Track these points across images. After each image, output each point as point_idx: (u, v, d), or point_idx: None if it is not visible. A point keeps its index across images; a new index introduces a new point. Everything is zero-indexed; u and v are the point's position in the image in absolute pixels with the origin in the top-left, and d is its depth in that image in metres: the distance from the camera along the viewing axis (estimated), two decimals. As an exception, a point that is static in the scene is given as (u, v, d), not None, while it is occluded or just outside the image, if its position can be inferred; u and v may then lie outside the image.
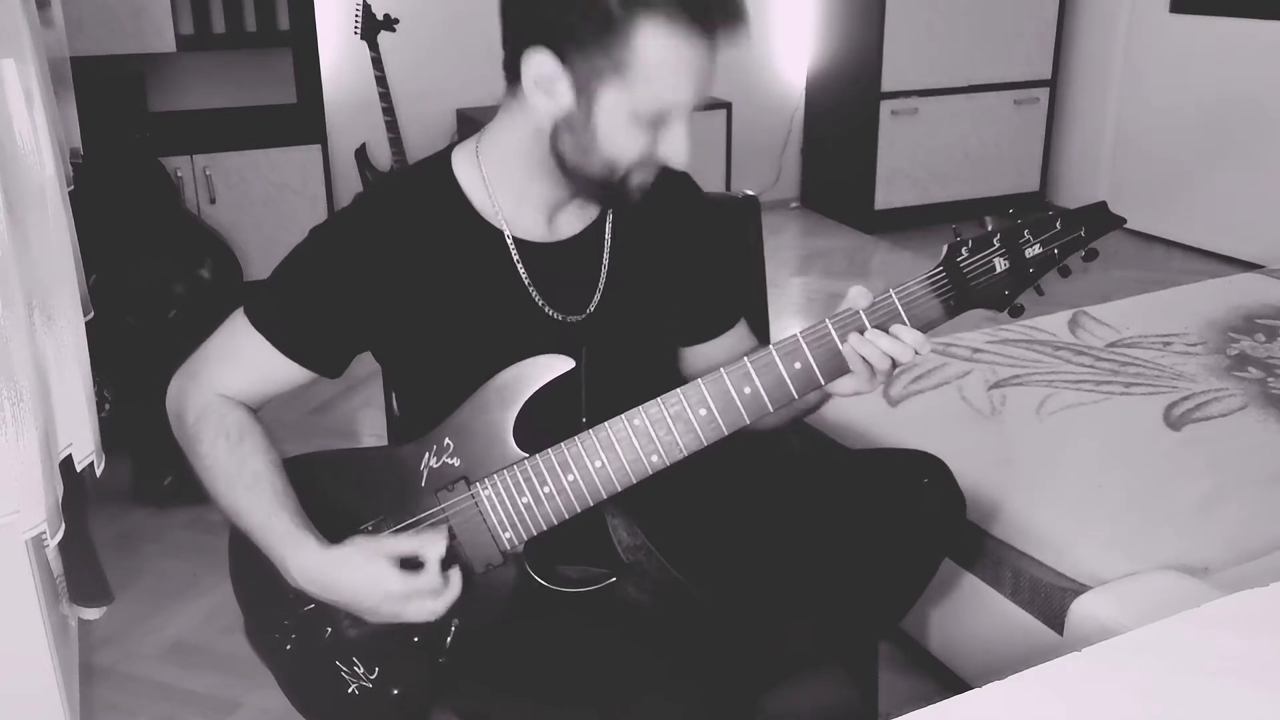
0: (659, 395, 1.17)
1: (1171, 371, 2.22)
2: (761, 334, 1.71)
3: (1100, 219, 1.17)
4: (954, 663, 1.88)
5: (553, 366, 1.18)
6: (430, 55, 4.22)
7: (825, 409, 1.40)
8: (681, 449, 1.17)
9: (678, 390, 1.16)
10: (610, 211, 1.31)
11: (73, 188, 2.22)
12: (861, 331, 1.15)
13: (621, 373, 1.29)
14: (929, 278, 1.15)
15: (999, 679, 0.93)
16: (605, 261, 1.30)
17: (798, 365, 1.15)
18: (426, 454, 1.21)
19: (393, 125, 3.77)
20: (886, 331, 1.15)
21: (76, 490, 1.84)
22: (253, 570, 1.24)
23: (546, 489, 1.18)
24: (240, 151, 3.80)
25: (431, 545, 1.16)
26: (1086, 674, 0.95)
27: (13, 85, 1.57)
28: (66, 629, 1.96)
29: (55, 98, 2.19)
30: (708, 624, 1.29)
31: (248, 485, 1.20)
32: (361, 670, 1.23)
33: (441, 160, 1.28)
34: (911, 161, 4.76)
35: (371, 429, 3.10)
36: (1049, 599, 1.65)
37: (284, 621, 1.25)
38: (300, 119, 3.94)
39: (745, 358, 1.16)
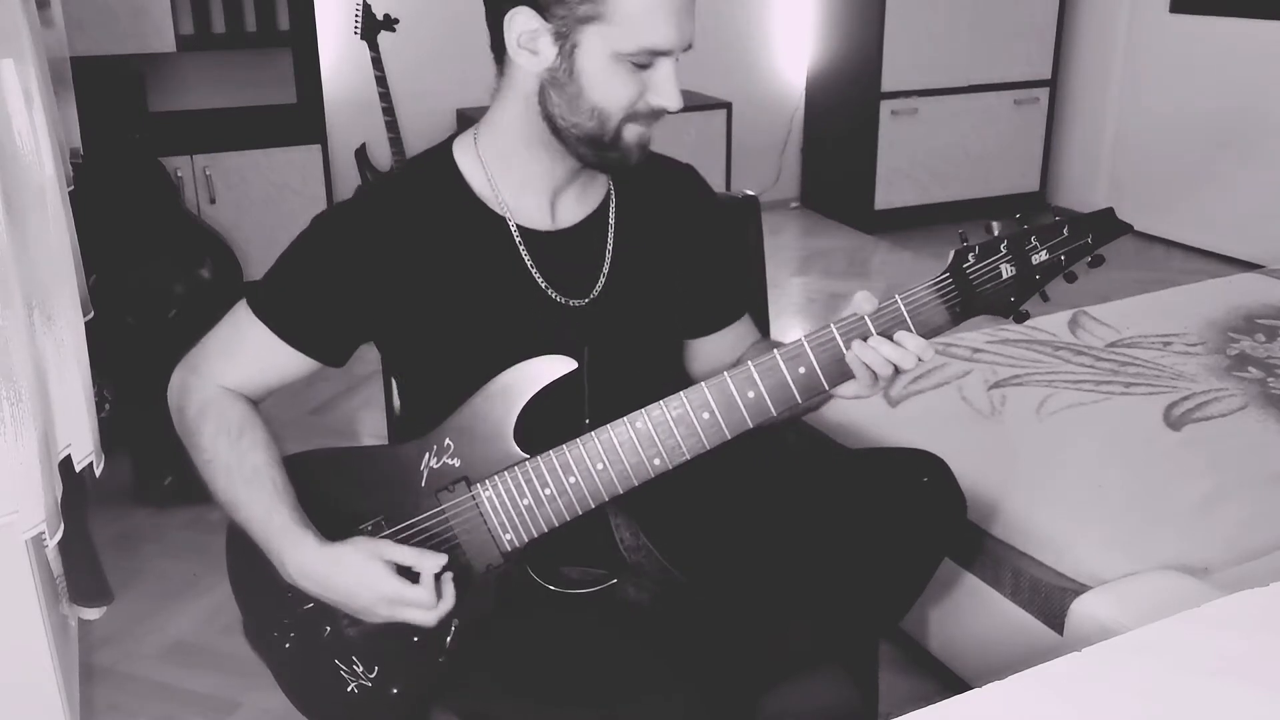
0: (662, 396, 1.16)
1: (1171, 371, 2.22)
2: (762, 334, 1.70)
3: (1107, 226, 1.16)
4: (954, 663, 1.88)
5: (554, 367, 1.18)
6: (430, 55, 4.22)
7: (825, 408, 1.40)
8: (684, 452, 1.17)
9: (680, 393, 1.16)
10: (614, 199, 1.31)
11: (73, 188, 2.22)
12: (865, 338, 1.14)
13: (624, 371, 1.29)
14: (935, 284, 1.14)
15: (999, 679, 0.93)
16: (610, 248, 1.30)
17: (802, 370, 1.15)
18: (427, 454, 1.20)
19: (393, 125, 3.77)
20: (891, 338, 1.14)
21: (76, 490, 1.84)
22: (251, 569, 1.24)
23: (548, 491, 1.18)
24: (240, 151, 3.80)
25: (428, 561, 1.16)
26: (1086, 674, 0.95)
27: (12, 85, 1.57)
28: (66, 629, 1.96)
29: (55, 98, 2.19)
30: (708, 624, 1.29)
31: (247, 480, 1.20)
32: (361, 669, 1.23)
33: (442, 151, 1.29)
34: (911, 161, 4.77)
35: (371, 429, 3.10)
36: (1049, 599, 1.65)
37: (283, 620, 1.25)
38: (300, 119, 3.94)
39: (749, 361, 1.16)
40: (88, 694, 2.04)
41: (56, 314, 1.63)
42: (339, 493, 1.24)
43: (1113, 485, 1.81)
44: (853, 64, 4.72)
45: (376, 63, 3.72)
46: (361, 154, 3.99)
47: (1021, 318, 1.17)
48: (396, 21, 3.76)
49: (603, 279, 1.29)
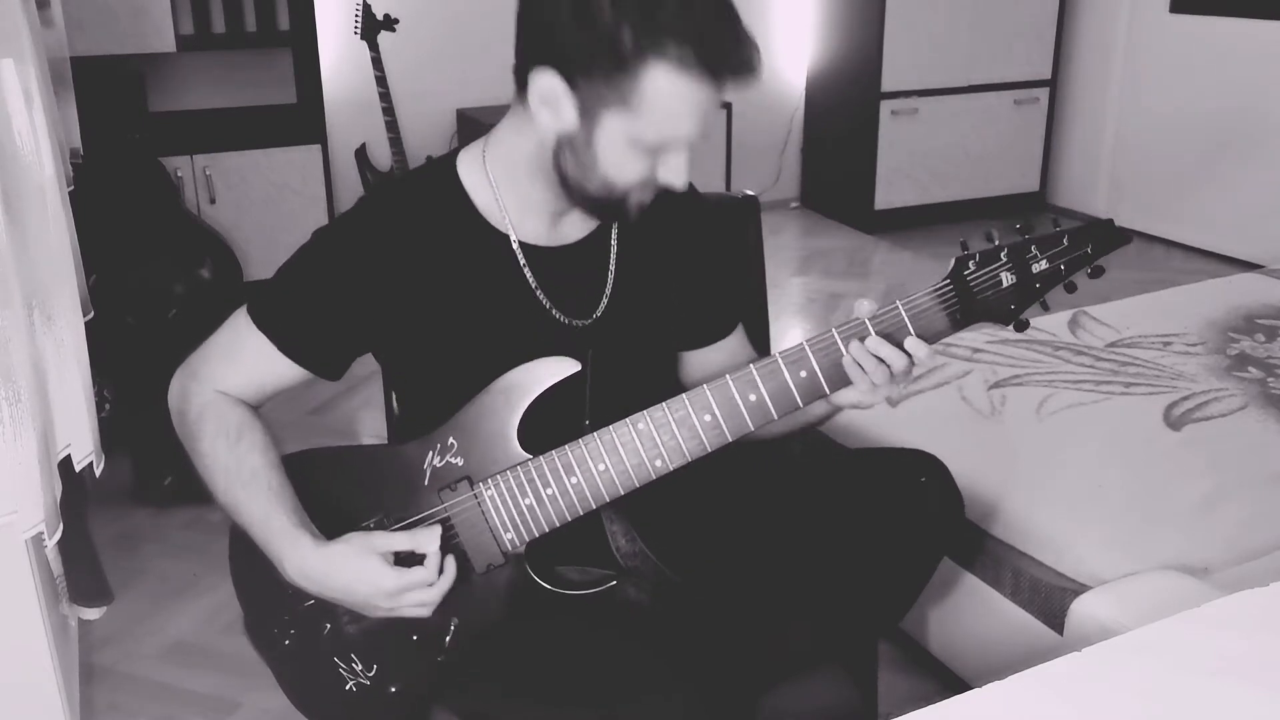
0: (663, 399, 1.17)
1: (1171, 371, 2.22)
2: (762, 334, 1.71)
3: (1107, 236, 1.17)
4: (954, 663, 1.88)
5: (559, 368, 1.19)
6: (430, 55, 4.22)
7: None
8: (685, 454, 1.17)
9: (683, 395, 1.16)
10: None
11: (73, 188, 2.22)
12: (864, 340, 1.15)
13: (627, 376, 1.29)
14: (935, 290, 1.15)
15: (999, 679, 0.93)
16: (612, 266, 1.30)
17: (803, 373, 1.15)
18: (430, 453, 1.21)
19: (393, 125, 3.77)
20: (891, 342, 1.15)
21: (76, 490, 1.84)
22: (253, 567, 1.24)
23: (549, 491, 1.18)
24: (240, 151, 3.80)
25: (427, 539, 1.16)
26: (1086, 674, 0.95)
27: (12, 85, 1.57)
28: (66, 629, 1.96)
29: (55, 98, 2.19)
30: (707, 624, 1.29)
31: (245, 482, 1.20)
32: (360, 668, 1.23)
33: (446, 164, 1.28)
34: (911, 161, 4.76)
35: (371, 429, 3.10)
36: (1049, 599, 1.65)
37: (283, 618, 1.25)
38: (300, 119, 3.94)
39: (751, 364, 1.16)
40: (88, 694, 2.04)
41: (56, 314, 1.63)
42: (341, 491, 1.24)
43: (1113, 485, 1.81)
44: (853, 64, 4.72)
45: (376, 63, 3.72)
46: (361, 154, 3.99)
47: (1021, 326, 1.18)
48: (396, 21, 3.76)
49: (606, 298, 1.29)
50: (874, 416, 2.06)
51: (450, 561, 1.18)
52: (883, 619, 1.40)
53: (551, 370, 1.19)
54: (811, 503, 1.31)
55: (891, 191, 4.78)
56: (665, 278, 1.34)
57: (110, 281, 2.80)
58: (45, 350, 1.58)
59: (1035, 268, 1.15)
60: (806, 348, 1.15)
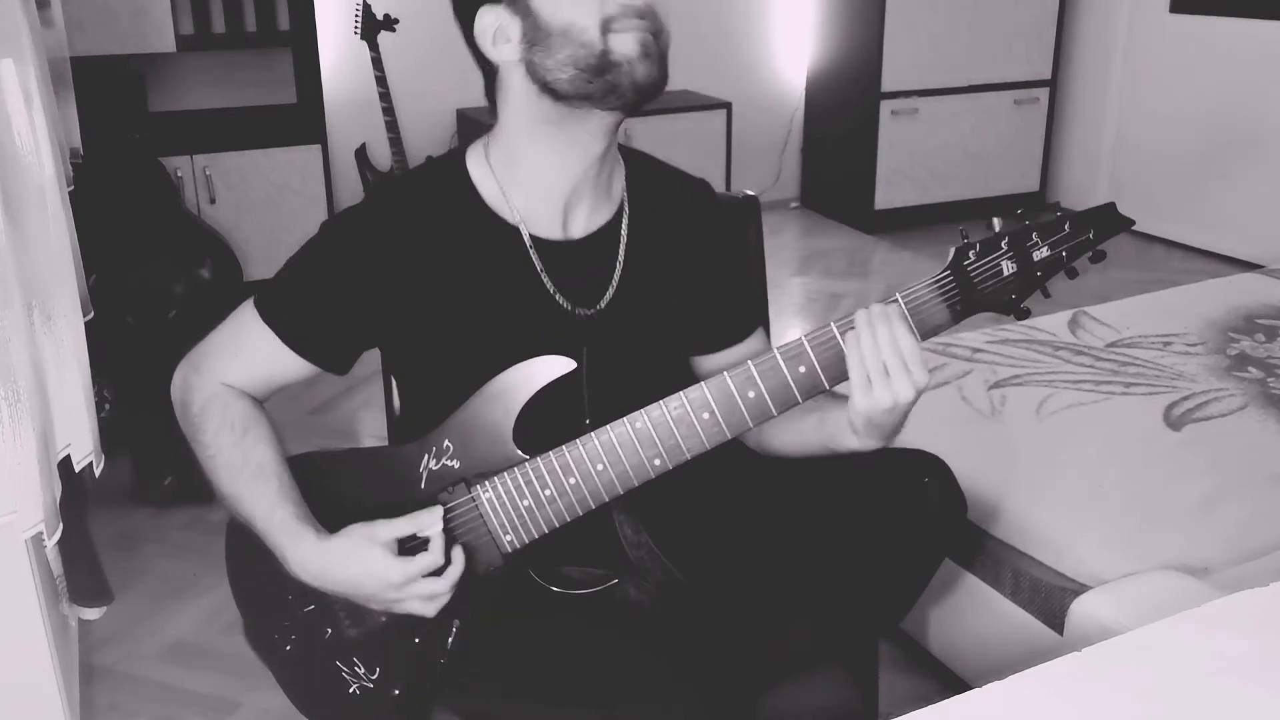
0: (662, 398, 1.16)
1: (1171, 371, 2.22)
2: (765, 330, 1.70)
3: (1109, 221, 1.15)
4: (954, 663, 1.88)
5: (553, 368, 1.18)
6: (430, 55, 4.22)
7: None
8: (684, 452, 1.16)
9: (680, 393, 1.15)
10: (627, 211, 1.31)
11: (73, 188, 2.22)
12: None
13: (625, 374, 1.28)
14: (935, 281, 1.14)
15: (999, 679, 0.93)
16: (621, 258, 1.29)
17: (802, 369, 1.14)
18: (426, 455, 1.20)
19: (393, 125, 3.77)
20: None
21: (77, 490, 1.84)
22: (251, 572, 1.24)
23: (548, 492, 1.18)
24: (240, 151, 3.80)
25: (429, 520, 1.16)
26: (1086, 674, 0.95)
27: (12, 85, 1.57)
28: (66, 629, 1.96)
29: (55, 98, 2.19)
30: (708, 624, 1.29)
31: (251, 476, 1.20)
32: (362, 670, 1.23)
33: (455, 159, 1.28)
34: (911, 161, 4.77)
35: (371, 429, 3.10)
36: (1049, 599, 1.65)
37: (283, 623, 1.25)
38: (300, 119, 3.94)
39: (749, 361, 1.15)
40: (88, 694, 2.04)
41: (56, 314, 1.63)
42: (339, 494, 1.24)
43: (1113, 485, 1.81)
44: (853, 64, 4.72)
45: (376, 63, 3.72)
46: (361, 154, 3.99)
47: (1022, 315, 1.16)
48: (396, 21, 3.76)
49: (612, 290, 1.28)
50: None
51: (458, 550, 1.17)
52: (884, 619, 1.39)
53: (546, 370, 1.18)
54: (813, 502, 1.31)
55: (891, 191, 4.78)
56: (676, 275, 1.33)
57: (110, 281, 2.80)
58: (45, 350, 1.58)
59: (1037, 255, 1.14)
60: (805, 343, 1.14)
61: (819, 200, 5.16)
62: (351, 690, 1.24)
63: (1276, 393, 2.13)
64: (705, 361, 1.39)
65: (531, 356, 1.19)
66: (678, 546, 1.31)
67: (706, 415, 1.15)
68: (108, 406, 2.59)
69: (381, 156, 3.99)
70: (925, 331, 1.15)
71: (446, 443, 1.20)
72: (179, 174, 3.68)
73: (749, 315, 1.41)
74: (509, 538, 1.20)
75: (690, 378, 1.22)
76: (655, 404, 1.15)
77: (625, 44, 1.14)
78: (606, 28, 1.14)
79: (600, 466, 1.17)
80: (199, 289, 2.99)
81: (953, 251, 1.14)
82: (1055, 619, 1.63)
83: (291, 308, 1.25)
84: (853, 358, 1.12)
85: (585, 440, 1.17)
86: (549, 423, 1.19)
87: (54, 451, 1.58)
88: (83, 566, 1.97)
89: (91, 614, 1.98)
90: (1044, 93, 4.87)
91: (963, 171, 4.87)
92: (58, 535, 1.47)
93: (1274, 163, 4.21)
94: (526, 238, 1.25)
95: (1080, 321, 2.49)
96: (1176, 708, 0.91)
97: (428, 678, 1.23)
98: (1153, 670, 0.95)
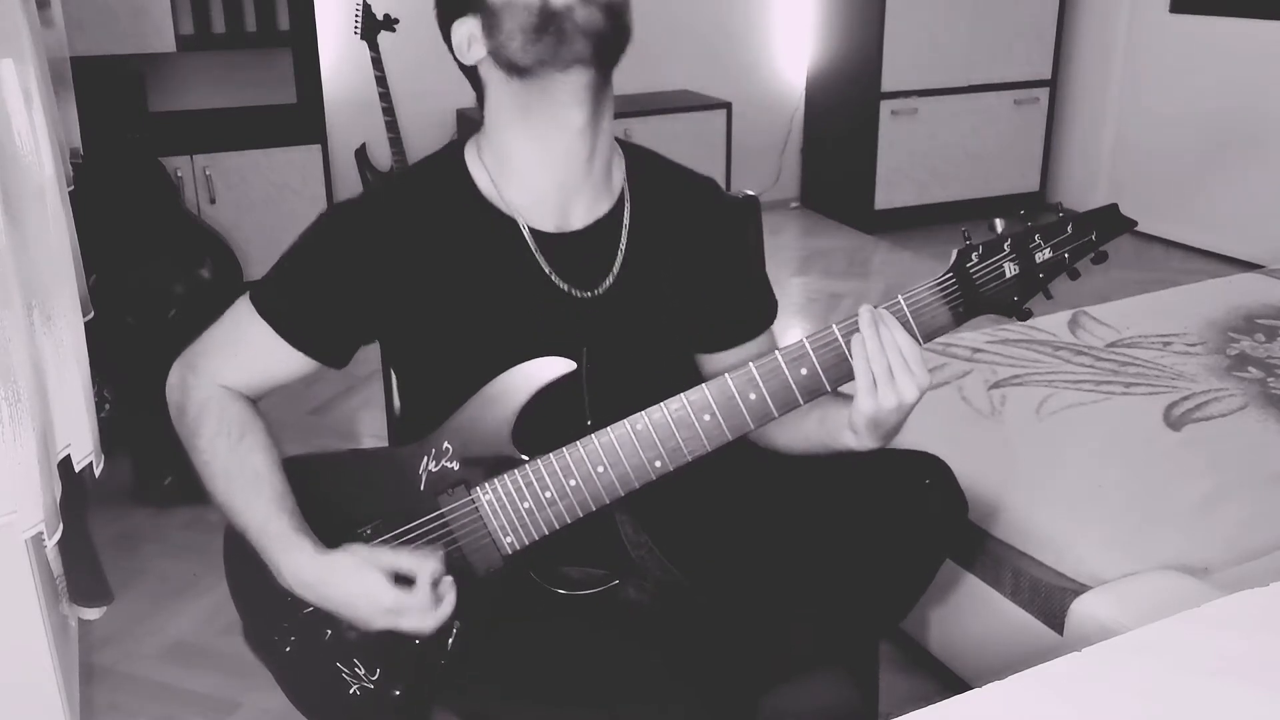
0: (664, 399, 1.16)
1: (1171, 371, 2.22)
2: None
3: (1111, 222, 1.15)
4: (954, 663, 1.88)
5: (552, 369, 1.18)
6: (430, 55, 4.19)
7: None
8: (685, 454, 1.16)
9: (681, 395, 1.15)
10: (629, 203, 1.30)
11: (73, 188, 2.22)
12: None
13: (626, 373, 1.28)
14: (938, 283, 1.14)
15: (999, 679, 0.93)
16: (622, 247, 1.29)
17: (803, 371, 1.14)
18: (425, 457, 1.20)
19: (393, 125, 3.77)
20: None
21: (76, 490, 1.84)
22: (250, 574, 1.23)
23: (548, 494, 1.18)
24: (240, 151, 3.80)
25: (424, 566, 1.15)
26: (1086, 674, 0.95)
27: (12, 85, 1.57)
28: (66, 629, 1.96)
29: (55, 98, 2.19)
30: (708, 625, 1.29)
31: (246, 484, 1.19)
32: (363, 671, 1.23)
33: (454, 152, 1.28)
34: (911, 161, 4.76)
35: (371, 429, 3.09)
36: (1049, 599, 1.65)
37: (283, 624, 1.24)
38: (300, 119, 3.94)
39: (750, 363, 1.15)
40: (88, 694, 2.04)
41: (56, 314, 1.63)
42: (338, 496, 1.24)
43: (1113, 485, 1.81)
44: (853, 64, 4.72)
45: (376, 63, 3.72)
46: (361, 154, 3.99)
47: (1024, 316, 1.16)
48: (396, 21, 3.76)
49: (612, 276, 1.28)
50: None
51: (451, 590, 1.17)
52: (884, 620, 1.39)
53: (544, 371, 1.18)
54: (814, 503, 1.31)
55: (891, 191, 4.78)
56: (678, 267, 1.32)
57: (110, 281, 2.79)
58: (45, 350, 1.58)
59: (1039, 257, 1.14)
60: (807, 344, 1.14)
61: (819, 200, 5.16)
62: (352, 691, 1.23)
63: (1276, 393, 2.13)
64: (712, 360, 1.38)
65: (532, 341, 1.19)
66: (678, 547, 1.31)
67: (707, 417, 1.15)
68: (108, 406, 2.58)
69: (381, 156, 3.99)
70: (928, 333, 1.15)
71: (446, 444, 1.20)
72: (179, 174, 3.68)
73: (757, 314, 1.40)
74: (509, 539, 1.20)
75: (695, 378, 1.22)
76: (656, 405, 1.15)
77: (573, 11, 1.14)
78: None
79: (601, 468, 1.16)
80: (199, 289, 2.98)
81: (955, 253, 1.14)
82: (1055, 619, 1.63)
83: (288, 301, 1.24)
84: (859, 360, 1.13)
85: (586, 442, 1.17)
86: (549, 424, 1.19)
87: (54, 451, 1.58)
88: (83, 566, 1.97)
89: (91, 614, 1.98)
90: (1044, 93, 4.87)
91: (963, 171, 4.87)
92: (58, 535, 1.47)
93: (1274, 163, 4.21)
94: (525, 228, 1.25)
95: (1080, 321, 2.49)
96: (1176, 708, 0.91)
97: (428, 678, 1.23)
98: (1153, 670, 0.95)
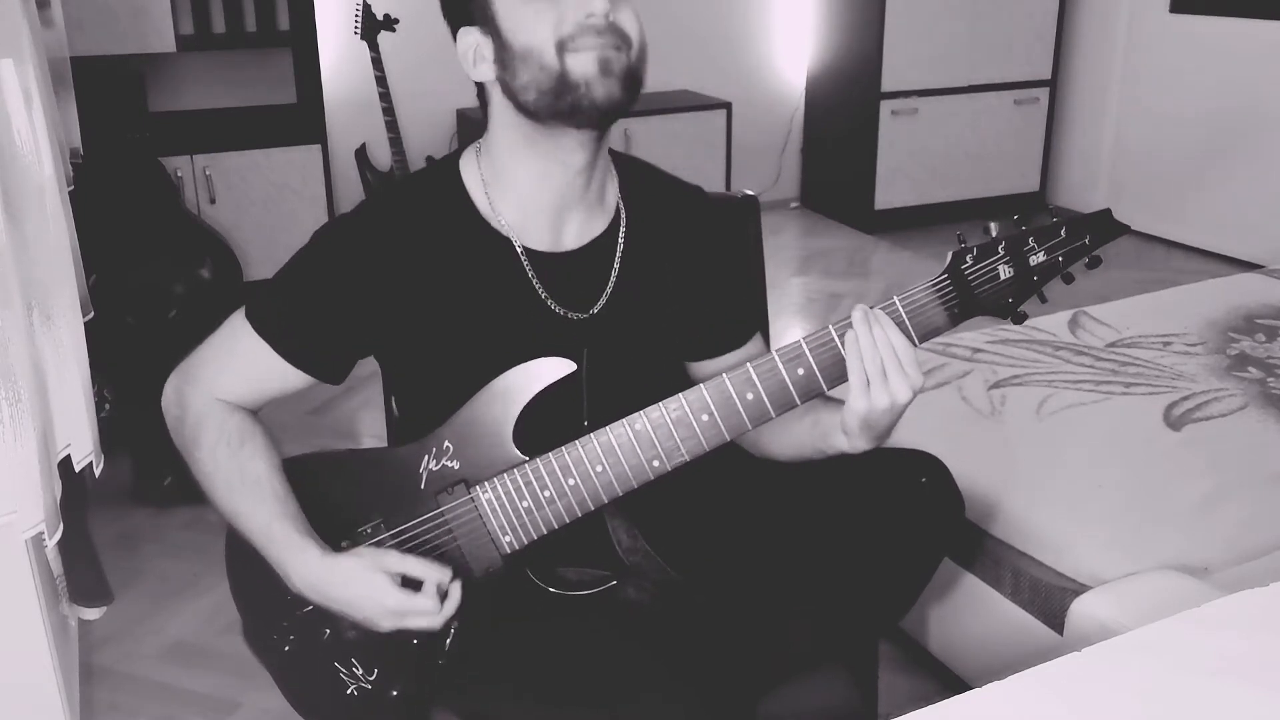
0: (661, 399, 1.16)
1: (1171, 371, 2.22)
2: (762, 335, 1.70)
3: (1104, 227, 1.16)
4: (954, 663, 1.88)
5: (553, 369, 1.18)
6: (430, 55, 4.21)
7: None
8: (683, 454, 1.16)
9: (679, 395, 1.15)
10: (624, 221, 1.30)
11: (73, 188, 2.22)
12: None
13: (624, 376, 1.28)
14: (933, 285, 1.14)
15: (999, 679, 0.93)
16: (616, 266, 1.29)
17: (800, 371, 1.15)
18: (426, 456, 1.20)
19: (393, 125, 3.77)
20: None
21: (76, 490, 1.84)
22: (250, 573, 1.23)
23: (547, 493, 1.18)
24: (240, 151, 3.80)
25: (431, 573, 1.16)
26: (1086, 674, 0.95)
27: (12, 85, 1.56)
28: (66, 629, 1.96)
29: (55, 98, 2.19)
30: (708, 624, 1.29)
31: (248, 490, 1.19)
32: (360, 671, 1.23)
33: (449, 166, 1.28)
34: (911, 161, 4.77)
35: (371, 429, 3.09)
36: (1049, 599, 1.65)
37: (282, 623, 1.25)
38: (300, 119, 3.94)
39: (748, 363, 1.15)
40: (88, 694, 2.04)
41: (56, 314, 1.63)
42: (338, 495, 1.24)
43: (1113, 485, 1.81)
44: (853, 64, 4.73)
45: (376, 63, 3.72)
46: (361, 154, 3.99)
47: (1019, 319, 1.17)
48: (396, 21, 3.76)
49: (606, 296, 1.28)
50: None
51: (456, 588, 1.17)
52: (883, 619, 1.40)
53: (546, 371, 1.18)
54: (812, 502, 1.31)
55: (891, 191, 4.78)
56: (672, 281, 1.32)
57: (110, 281, 2.80)
58: (45, 350, 1.58)
59: (1033, 260, 1.15)
60: (803, 345, 1.15)
61: (819, 200, 5.16)
62: (350, 691, 1.23)
63: (1276, 393, 2.13)
64: (701, 368, 1.39)
65: (523, 358, 1.19)
66: (676, 548, 1.31)
67: (705, 417, 1.15)
68: (108, 406, 2.59)
69: (381, 156, 3.99)
70: (923, 334, 1.15)
71: (446, 443, 1.20)
72: (179, 174, 3.68)
73: (745, 321, 1.41)
74: (508, 539, 1.20)
75: (687, 384, 1.22)
76: (654, 406, 1.16)
77: (582, 64, 1.14)
78: (563, 48, 1.13)
79: (599, 468, 1.17)
80: (199, 289, 2.99)
81: (950, 255, 1.14)
82: (1055, 619, 1.63)
83: (283, 318, 1.24)
84: (852, 359, 1.13)
85: (584, 442, 1.17)
86: (548, 424, 1.19)
87: (54, 451, 1.58)
88: (83, 566, 1.98)
89: (91, 614, 1.98)
90: (1044, 93, 4.87)
91: (963, 171, 4.87)
92: (58, 535, 1.47)
93: (1274, 163, 4.21)
94: (519, 248, 1.25)
95: (1080, 321, 2.49)
96: (1176, 708, 0.91)
97: (426, 678, 1.23)
98: (1153, 670, 0.95)
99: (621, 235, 1.30)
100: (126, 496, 2.68)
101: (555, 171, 1.22)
